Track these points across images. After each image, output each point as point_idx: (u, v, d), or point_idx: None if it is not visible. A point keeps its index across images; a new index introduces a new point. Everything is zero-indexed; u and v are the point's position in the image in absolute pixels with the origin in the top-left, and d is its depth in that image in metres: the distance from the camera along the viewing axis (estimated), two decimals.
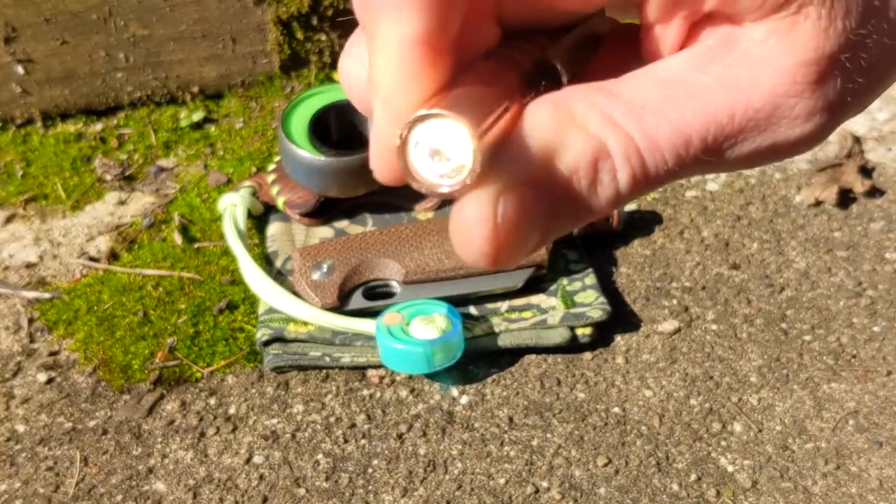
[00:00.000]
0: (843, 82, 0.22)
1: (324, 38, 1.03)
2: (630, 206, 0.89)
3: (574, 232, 0.81)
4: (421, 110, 0.22)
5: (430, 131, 0.22)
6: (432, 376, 0.73)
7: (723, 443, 0.69)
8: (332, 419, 0.70)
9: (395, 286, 0.76)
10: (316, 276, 0.75)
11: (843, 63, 0.21)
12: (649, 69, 0.23)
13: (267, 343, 0.74)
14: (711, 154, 0.22)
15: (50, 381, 0.73)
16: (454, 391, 0.73)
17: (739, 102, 0.22)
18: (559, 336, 0.74)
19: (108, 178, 0.94)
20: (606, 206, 0.22)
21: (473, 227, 0.21)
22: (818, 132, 0.22)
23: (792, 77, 0.22)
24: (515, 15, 0.25)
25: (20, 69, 0.97)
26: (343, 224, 0.84)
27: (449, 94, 0.22)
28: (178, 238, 0.86)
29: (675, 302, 0.80)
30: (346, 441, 0.69)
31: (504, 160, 0.22)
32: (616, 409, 0.71)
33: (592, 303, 0.76)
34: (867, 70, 0.22)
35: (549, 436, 0.69)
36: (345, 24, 1.03)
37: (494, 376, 0.74)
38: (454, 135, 0.22)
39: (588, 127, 0.22)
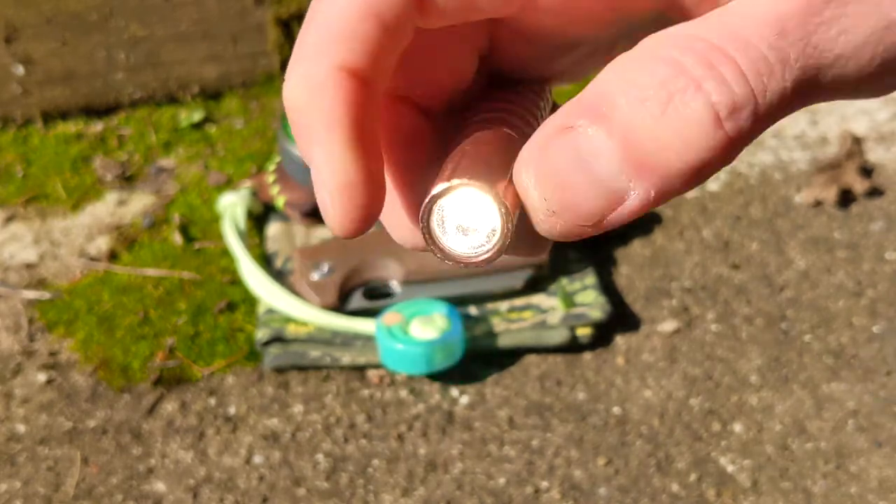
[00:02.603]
0: None
1: None
2: None
3: None
4: (441, 184, 0.21)
5: (452, 204, 0.22)
6: (432, 376, 0.73)
7: (723, 443, 0.69)
8: (332, 419, 0.70)
9: (395, 286, 0.76)
10: (316, 276, 0.75)
11: None
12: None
13: (267, 343, 0.74)
14: None
15: (50, 381, 0.73)
16: (454, 391, 0.73)
17: None
18: (559, 336, 0.74)
19: (108, 178, 0.94)
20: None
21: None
22: None
23: None
24: (510, 53, 0.24)
25: (20, 69, 0.97)
26: None
27: (461, 164, 0.22)
28: (178, 238, 0.86)
29: (675, 302, 0.80)
30: (346, 441, 0.69)
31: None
32: (616, 409, 0.71)
33: (592, 302, 0.76)
34: None
35: (549, 436, 0.69)
36: None
37: (494, 376, 0.74)
38: (477, 203, 0.21)
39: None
